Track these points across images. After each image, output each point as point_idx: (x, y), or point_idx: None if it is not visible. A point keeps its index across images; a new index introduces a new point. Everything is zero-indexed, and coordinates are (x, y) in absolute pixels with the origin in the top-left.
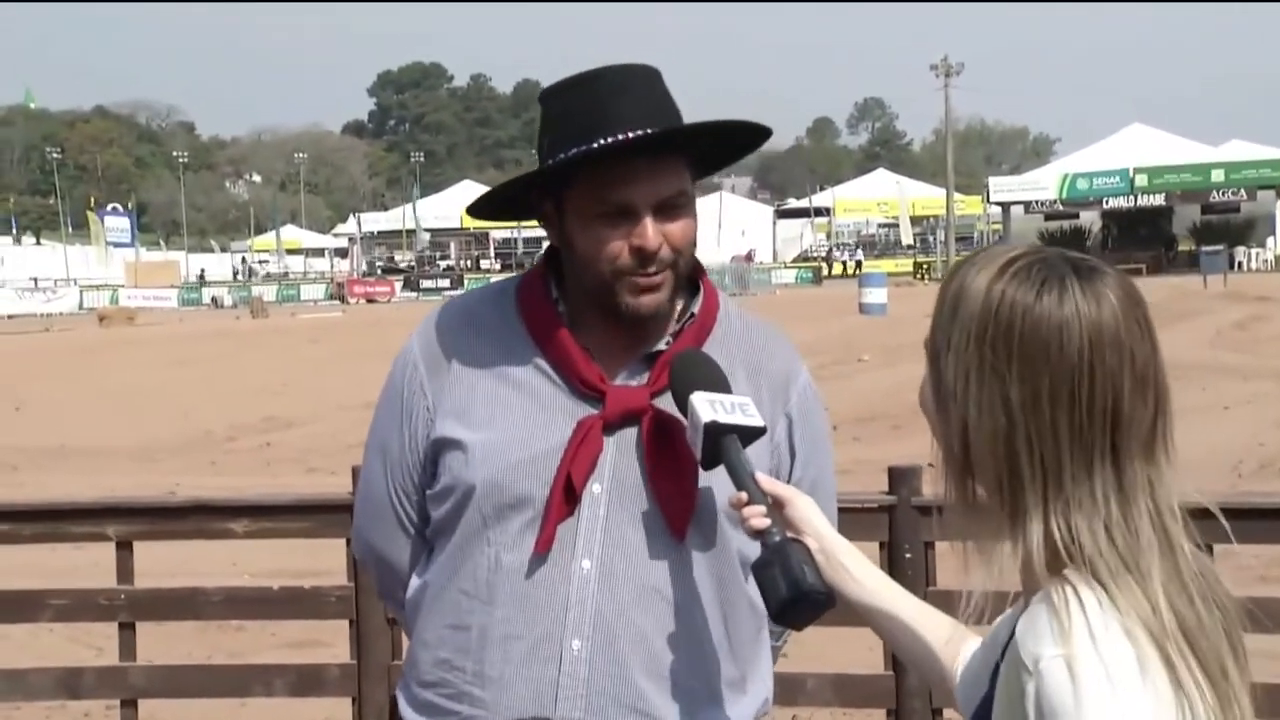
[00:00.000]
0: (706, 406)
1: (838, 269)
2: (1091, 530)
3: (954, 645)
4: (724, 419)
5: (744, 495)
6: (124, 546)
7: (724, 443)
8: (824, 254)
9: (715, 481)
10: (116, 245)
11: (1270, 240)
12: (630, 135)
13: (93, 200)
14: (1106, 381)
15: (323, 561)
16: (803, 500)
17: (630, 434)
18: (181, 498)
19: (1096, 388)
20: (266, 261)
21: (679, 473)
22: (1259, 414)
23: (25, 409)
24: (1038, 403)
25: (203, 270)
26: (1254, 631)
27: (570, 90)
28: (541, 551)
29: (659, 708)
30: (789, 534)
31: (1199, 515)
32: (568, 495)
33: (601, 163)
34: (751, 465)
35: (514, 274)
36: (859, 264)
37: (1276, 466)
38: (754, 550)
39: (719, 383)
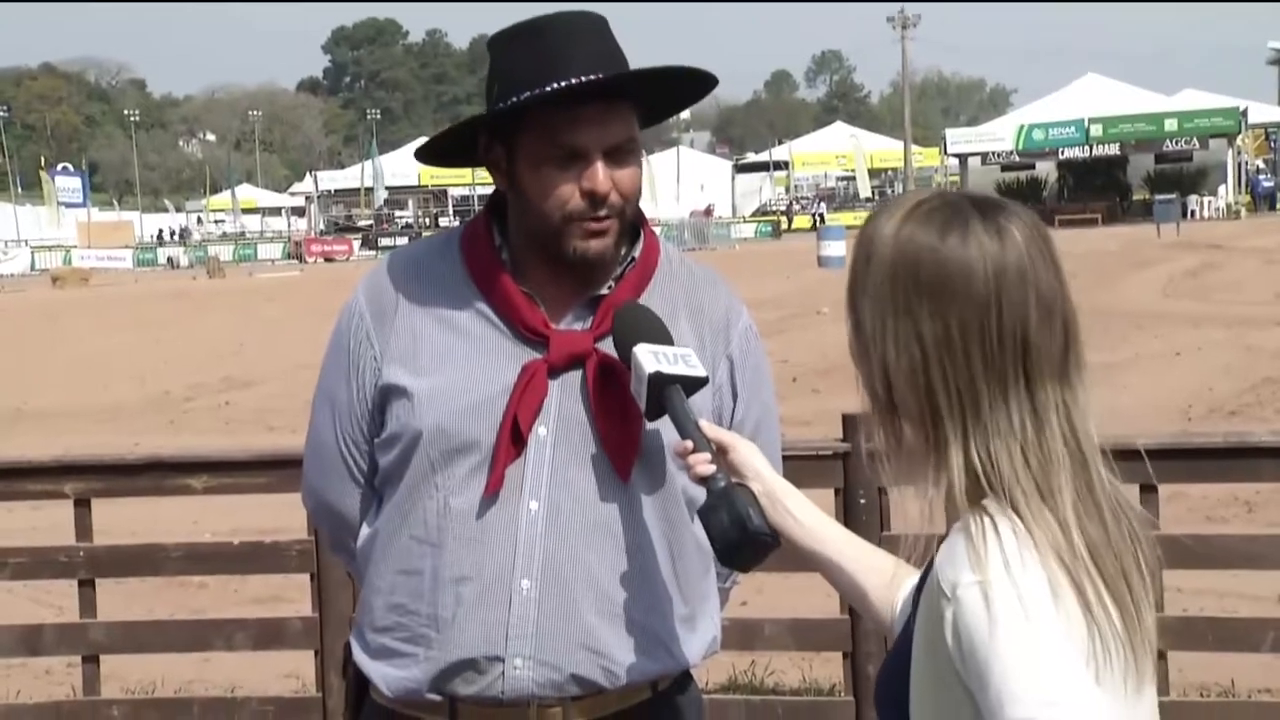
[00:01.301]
0: (650, 358)
1: (802, 222)
2: (1009, 453)
3: (894, 585)
4: (668, 370)
5: (689, 443)
6: (82, 504)
7: (668, 393)
8: (784, 208)
9: (659, 423)
10: (68, 205)
11: (1222, 189)
12: (585, 79)
13: (43, 160)
14: (1014, 312)
15: (284, 520)
16: (745, 445)
17: (575, 377)
18: (139, 454)
19: (1005, 319)
20: (223, 221)
21: (623, 415)
22: (1209, 360)
23: None
24: (949, 337)
25: (185, 228)
26: (1198, 568)
27: (520, 36)
28: (490, 494)
29: (609, 645)
30: (733, 479)
31: (1147, 456)
32: (514, 438)
33: (554, 107)
34: (695, 414)
35: (457, 225)
36: (821, 217)
37: (1225, 410)
38: (700, 490)
39: (661, 334)
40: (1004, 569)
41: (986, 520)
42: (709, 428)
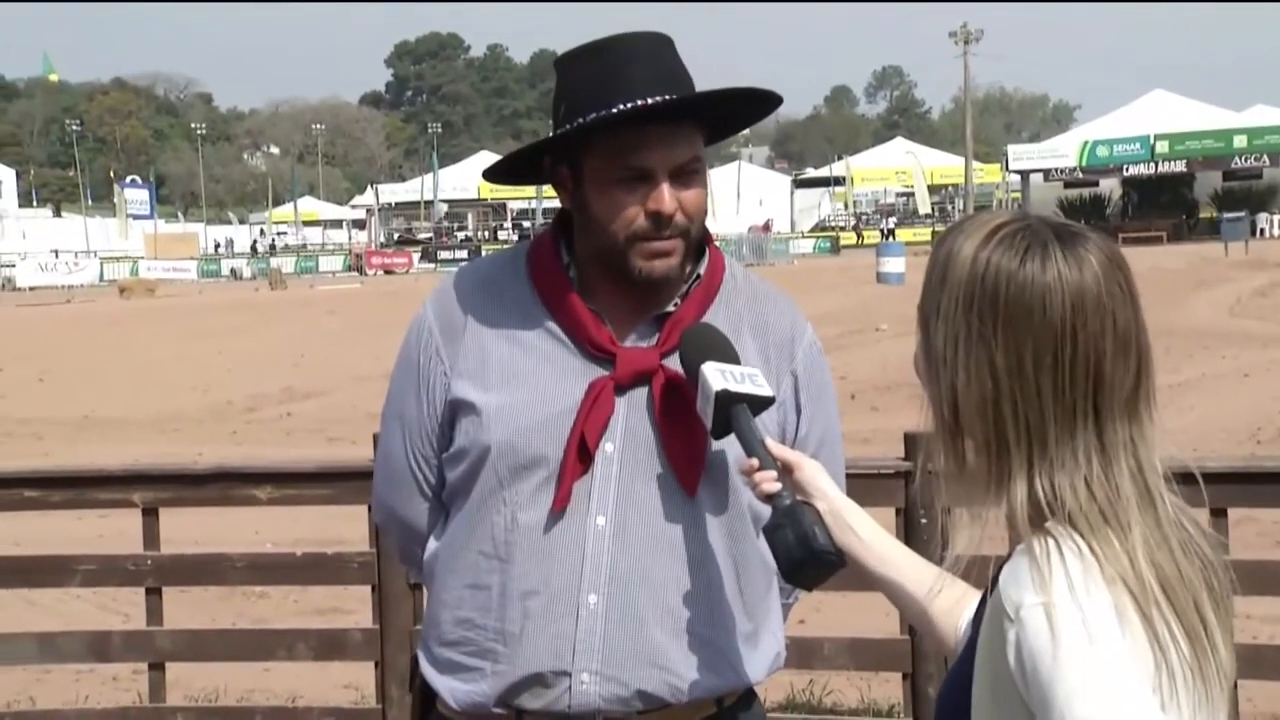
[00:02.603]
0: (718, 376)
1: (872, 237)
2: (1073, 487)
3: (958, 607)
4: (735, 388)
5: (754, 461)
6: (150, 513)
7: (734, 411)
8: (853, 224)
9: (725, 440)
10: (136, 217)
11: None
12: (650, 101)
13: (112, 172)
14: (1089, 345)
15: (346, 531)
16: (811, 464)
17: (641, 394)
18: (206, 465)
19: (1079, 351)
20: (285, 233)
21: (689, 431)
22: (1278, 381)
23: (49, 380)
24: (1022, 366)
25: (254, 243)
26: (1269, 594)
27: (586, 57)
28: (558, 509)
29: (675, 661)
30: (799, 497)
31: (1215, 480)
32: (581, 454)
33: (619, 128)
34: (761, 432)
35: (524, 241)
36: (892, 232)
37: None
38: (765, 506)
39: (728, 353)
40: (1069, 591)
41: (1051, 543)
42: (775, 446)
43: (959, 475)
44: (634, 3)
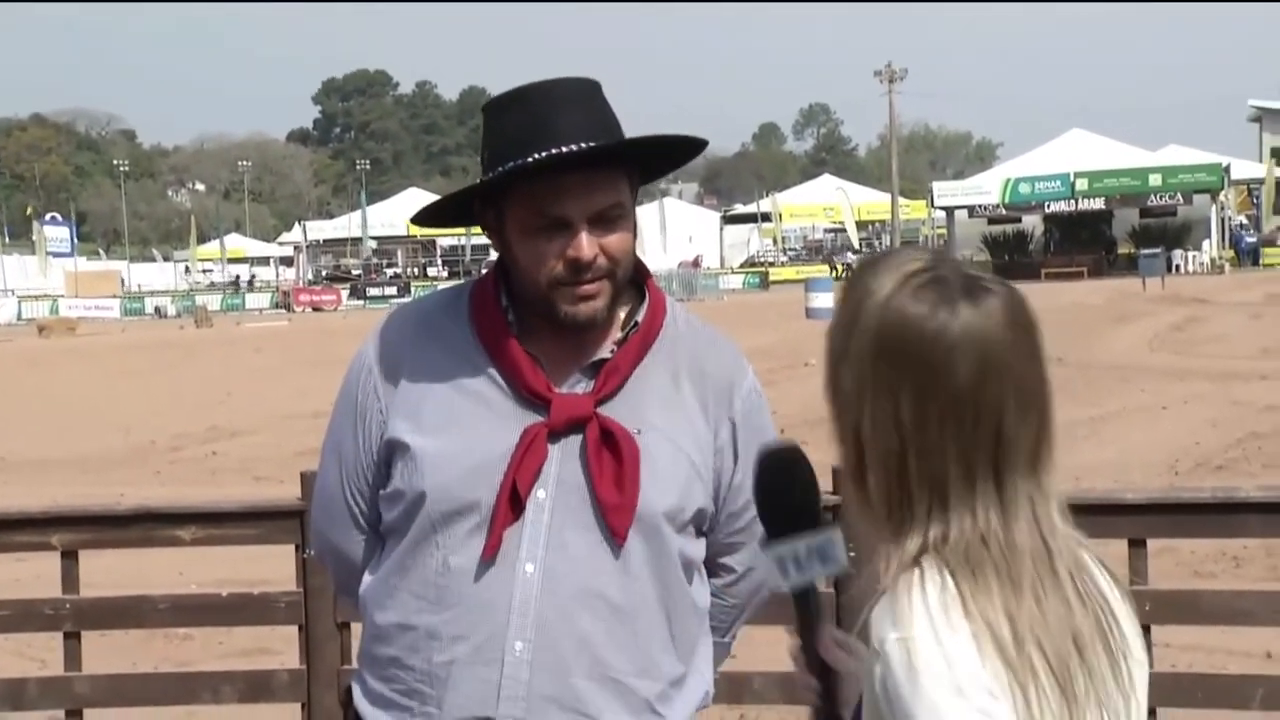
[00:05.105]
0: (775, 568)
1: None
2: (967, 541)
3: None
4: (796, 580)
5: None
6: (69, 556)
7: (808, 600)
8: (826, 255)
9: (656, 486)
10: (56, 255)
11: (1206, 243)
12: (564, 150)
13: (31, 209)
14: (992, 403)
15: (271, 571)
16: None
17: (575, 441)
18: (128, 505)
19: (982, 411)
20: (211, 270)
21: (620, 479)
22: (1195, 414)
23: None
24: (926, 423)
25: (237, 276)
26: (1187, 624)
27: (511, 103)
28: (488, 557)
29: (599, 710)
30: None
31: (1134, 510)
32: (513, 502)
33: (538, 176)
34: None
35: (467, 280)
36: (849, 267)
37: (1212, 464)
38: (693, 550)
39: (804, 510)
40: (929, 626)
41: (915, 576)
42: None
43: (865, 511)
44: (561, 42)
